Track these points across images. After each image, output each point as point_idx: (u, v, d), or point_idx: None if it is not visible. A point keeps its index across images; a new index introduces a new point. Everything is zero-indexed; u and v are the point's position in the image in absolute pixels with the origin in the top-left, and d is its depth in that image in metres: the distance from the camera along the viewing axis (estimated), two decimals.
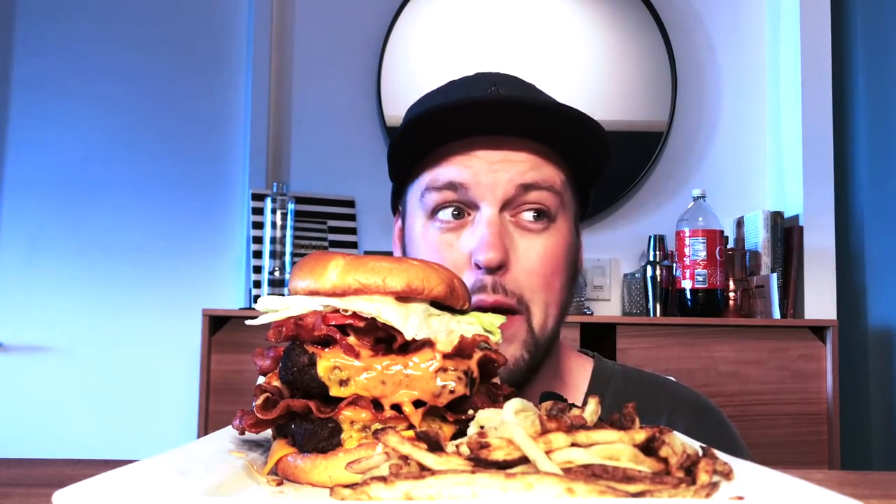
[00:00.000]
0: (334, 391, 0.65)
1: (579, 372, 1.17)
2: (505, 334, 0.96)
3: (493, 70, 1.14)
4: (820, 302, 3.01)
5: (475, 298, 0.96)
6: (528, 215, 1.00)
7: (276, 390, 0.69)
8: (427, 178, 1.02)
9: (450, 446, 0.55)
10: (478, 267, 0.96)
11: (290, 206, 2.89)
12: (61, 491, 0.47)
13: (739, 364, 2.74)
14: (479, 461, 0.51)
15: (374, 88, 3.23)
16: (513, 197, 0.99)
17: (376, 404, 0.65)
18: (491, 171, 0.98)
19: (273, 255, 2.85)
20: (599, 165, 1.06)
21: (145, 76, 3.23)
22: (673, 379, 1.29)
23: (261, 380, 0.72)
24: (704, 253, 2.83)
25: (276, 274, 2.84)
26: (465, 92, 1.05)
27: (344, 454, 0.64)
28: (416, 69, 3.23)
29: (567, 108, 0.97)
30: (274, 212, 2.87)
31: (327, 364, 0.65)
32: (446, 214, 1.01)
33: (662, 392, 1.19)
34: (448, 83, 1.12)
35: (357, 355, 0.65)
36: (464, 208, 1.01)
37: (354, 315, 0.66)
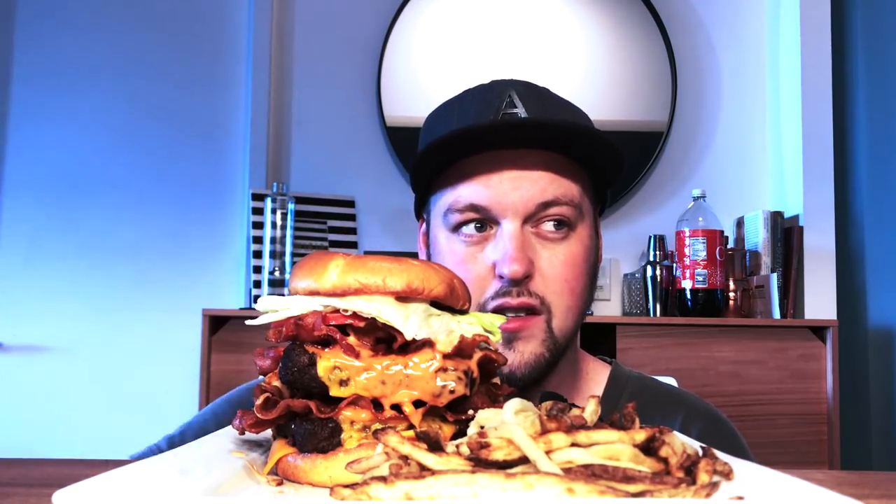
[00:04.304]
0: (334, 391, 0.65)
1: (596, 376, 1.20)
2: (524, 333, 1.00)
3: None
4: (820, 302, 3.01)
5: (499, 301, 1.00)
6: (549, 226, 1.03)
7: (276, 390, 0.69)
8: (449, 197, 1.04)
9: (450, 446, 0.55)
10: (501, 278, 1.00)
11: (290, 206, 2.89)
12: (61, 491, 0.47)
13: (739, 364, 2.74)
14: (479, 461, 0.51)
15: (374, 88, 3.23)
16: (533, 213, 1.02)
17: (376, 404, 0.65)
18: (511, 189, 1.01)
19: (273, 255, 2.85)
20: (613, 176, 1.10)
21: (145, 76, 3.23)
22: (675, 383, 1.30)
23: (261, 380, 0.72)
24: (704, 253, 2.83)
25: (276, 274, 2.84)
26: (480, 103, 1.07)
27: (344, 454, 0.64)
28: (416, 69, 3.23)
29: (580, 126, 1.00)
30: (274, 212, 2.87)
31: (327, 364, 0.65)
32: (469, 229, 1.04)
33: (677, 401, 1.20)
34: (464, 92, 1.13)
35: (357, 355, 0.65)
36: (486, 222, 1.03)
37: (354, 315, 0.66)
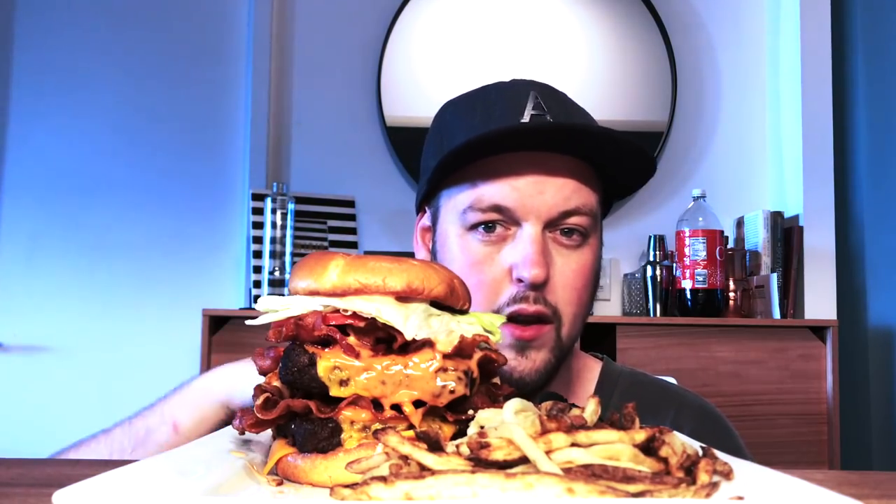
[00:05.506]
0: (334, 391, 0.65)
1: (588, 373, 1.20)
2: (536, 342, 1.01)
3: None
4: (820, 302, 3.01)
5: (516, 307, 0.99)
6: (566, 233, 1.03)
7: (276, 390, 0.69)
8: (469, 195, 1.03)
9: (450, 446, 0.55)
10: (519, 281, 1.00)
11: (290, 206, 2.89)
12: (61, 491, 0.47)
13: (739, 364, 2.74)
14: (479, 461, 0.51)
15: (374, 88, 3.23)
16: (555, 219, 1.02)
17: (376, 404, 0.65)
18: (536, 193, 1.01)
19: (273, 255, 2.85)
20: (636, 185, 1.11)
21: (145, 76, 3.23)
22: (675, 382, 1.30)
23: (261, 380, 0.73)
24: (704, 253, 2.83)
25: (276, 274, 2.84)
26: (507, 102, 1.06)
27: (344, 454, 0.64)
28: (416, 69, 3.23)
29: (615, 133, 1.01)
30: (274, 212, 2.87)
31: (327, 364, 0.65)
32: (488, 229, 1.03)
33: (669, 396, 1.20)
34: (484, 89, 1.12)
35: (357, 355, 0.65)
36: (504, 223, 1.03)
37: (354, 315, 0.66)
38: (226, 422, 1.00)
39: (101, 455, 1.01)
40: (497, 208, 1.01)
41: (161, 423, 1.02)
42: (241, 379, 1.01)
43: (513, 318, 0.99)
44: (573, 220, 1.02)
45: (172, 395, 1.05)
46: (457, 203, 1.05)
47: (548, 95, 1.07)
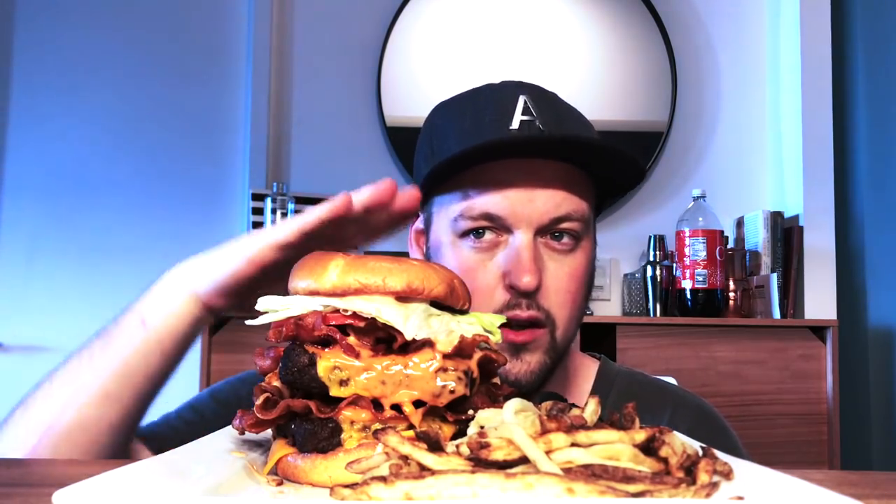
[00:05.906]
0: (334, 391, 0.65)
1: (585, 373, 1.20)
2: (531, 345, 1.02)
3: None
4: (820, 302, 3.01)
5: (510, 313, 1.00)
6: (558, 238, 1.04)
7: (276, 390, 0.69)
8: (461, 203, 1.04)
9: (450, 446, 0.55)
10: (512, 288, 1.01)
11: (290, 206, 2.89)
12: (61, 491, 0.47)
13: (739, 364, 2.74)
14: (479, 461, 0.51)
15: (374, 88, 3.23)
16: (546, 226, 1.03)
17: (376, 404, 0.65)
18: (527, 201, 1.01)
19: None
20: (629, 189, 1.13)
21: (145, 76, 3.23)
22: (675, 382, 1.30)
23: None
24: (704, 253, 2.83)
25: None
26: (496, 107, 1.07)
27: (344, 454, 0.64)
28: (416, 69, 3.23)
29: (602, 142, 1.02)
30: (274, 212, 2.87)
31: (327, 364, 0.65)
32: (479, 235, 1.04)
33: (665, 395, 1.20)
34: (474, 92, 1.12)
35: (357, 355, 0.65)
36: (495, 230, 1.04)
37: (354, 315, 0.66)
38: (197, 315, 0.97)
39: (76, 367, 0.98)
40: (488, 216, 1.02)
41: (129, 321, 1.00)
42: (204, 264, 0.99)
43: (507, 324, 1.00)
44: (564, 225, 1.03)
45: (145, 293, 1.02)
46: (448, 211, 1.06)
47: (538, 98, 1.07)
